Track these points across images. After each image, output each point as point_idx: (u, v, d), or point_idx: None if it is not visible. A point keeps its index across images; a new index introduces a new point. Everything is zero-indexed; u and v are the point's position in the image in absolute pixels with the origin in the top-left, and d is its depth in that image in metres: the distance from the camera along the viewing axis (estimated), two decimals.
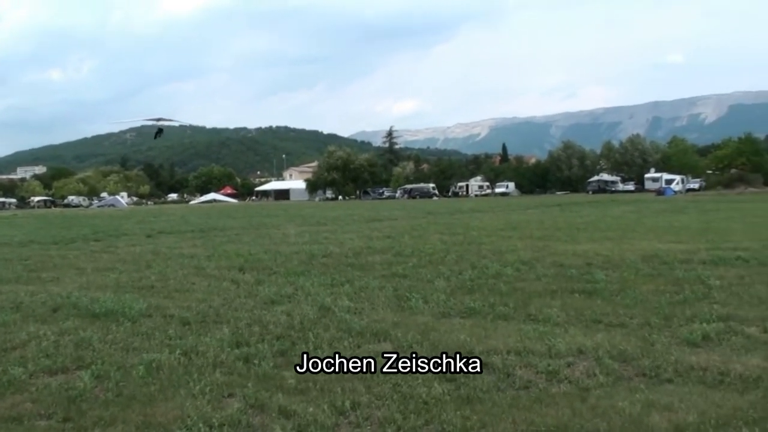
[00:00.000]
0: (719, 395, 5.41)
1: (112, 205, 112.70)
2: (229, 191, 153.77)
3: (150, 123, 25.66)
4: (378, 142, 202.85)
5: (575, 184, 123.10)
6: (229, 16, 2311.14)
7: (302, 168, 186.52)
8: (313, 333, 7.83)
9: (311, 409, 5.31)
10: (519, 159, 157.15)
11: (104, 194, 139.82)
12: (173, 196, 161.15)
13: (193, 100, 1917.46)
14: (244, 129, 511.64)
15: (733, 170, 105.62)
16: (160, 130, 26.63)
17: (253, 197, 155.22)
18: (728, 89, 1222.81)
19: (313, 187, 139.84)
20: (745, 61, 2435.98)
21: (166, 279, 13.11)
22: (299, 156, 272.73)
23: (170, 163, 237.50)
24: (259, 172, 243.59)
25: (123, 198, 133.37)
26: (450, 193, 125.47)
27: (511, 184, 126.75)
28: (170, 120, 25.76)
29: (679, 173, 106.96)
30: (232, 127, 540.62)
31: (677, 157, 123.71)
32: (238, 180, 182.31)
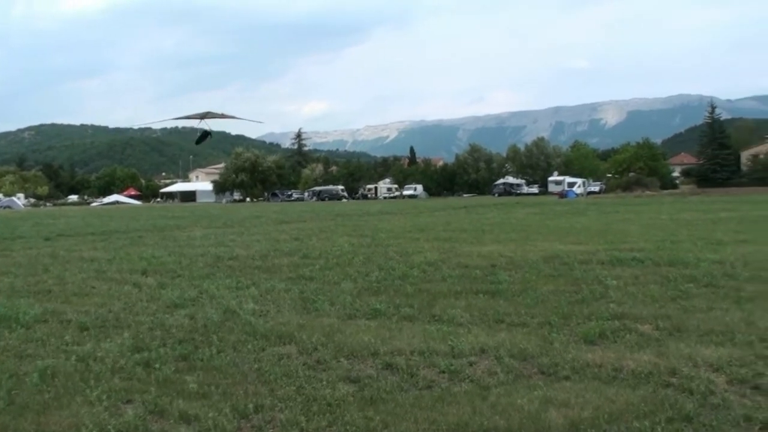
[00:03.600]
0: (613, 391, 5.60)
1: (8, 207, 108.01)
2: (132, 193, 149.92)
3: (194, 122, 18.52)
4: (287, 143, 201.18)
5: (482, 186, 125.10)
6: (138, 13, 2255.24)
7: (209, 169, 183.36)
8: (217, 336, 7.73)
9: (212, 414, 5.24)
10: (427, 162, 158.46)
11: None
12: (74, 197, 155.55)
13: (97, 99, 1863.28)
14: (149, 129, 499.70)
15: (631, 174, 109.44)
16: (206, 134, 19.51)
17: (158, 199, 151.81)
18: (627, 96, 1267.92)
19: (220, 188, 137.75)
20: (642, 70, 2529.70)
21: (64, 283, 12.69)
22: (206, 157, 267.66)
23: (71, 164, 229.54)
24: (164, 174, 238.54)
25: (19, 199, 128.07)
26: (359, 195, 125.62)
27: (419, 187, 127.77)
28: (222, 115, 19.08)
29: (580, 176, 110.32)
30: (136, 126, 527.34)
31: (579, 160, 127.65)
32: (143, 181, 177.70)
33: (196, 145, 22.61)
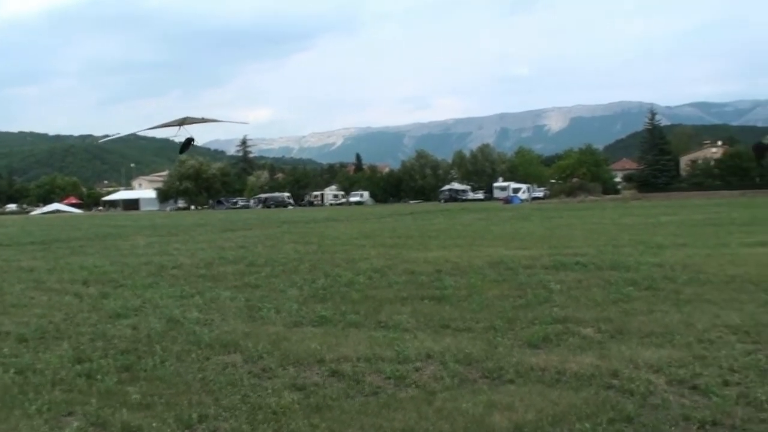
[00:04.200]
0: (556, 393, 5.67)
1: None
2: (73, 201, 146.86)
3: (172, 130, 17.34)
4: (232, 150, 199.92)
5: (428, 193, 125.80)
6: (77, 19, 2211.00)
7: (152, 177, 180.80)
8: (161, 346, 7.62)
9: (156, 424, 5.17)
10: (373, 168, 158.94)
11: None
12: (12, 206, 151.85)
13: (36, 105, 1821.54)
14: (90, 136, 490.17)
15: (574, 179, 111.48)
16: (190, 141, 17.64)
17: (100, 207, 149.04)
18: (569, 102, 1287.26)
19: (164, 196, 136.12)
20: (584, 77, 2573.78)
21: (2, 294, 12.38)
22: (149, 165, 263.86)
23: (8, 172, 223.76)
24: (106, 182, 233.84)
25: None
26: (305, 202, 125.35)
27: (366, 193, 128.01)
28: (202, 119, 17.53)
29: (525, 182, 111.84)
30: (77, 134, 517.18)
31: (523, 166, 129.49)
32: (84, 190, 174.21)
33: (179, 154, 21.07)
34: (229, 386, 6.13)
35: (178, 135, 17.25)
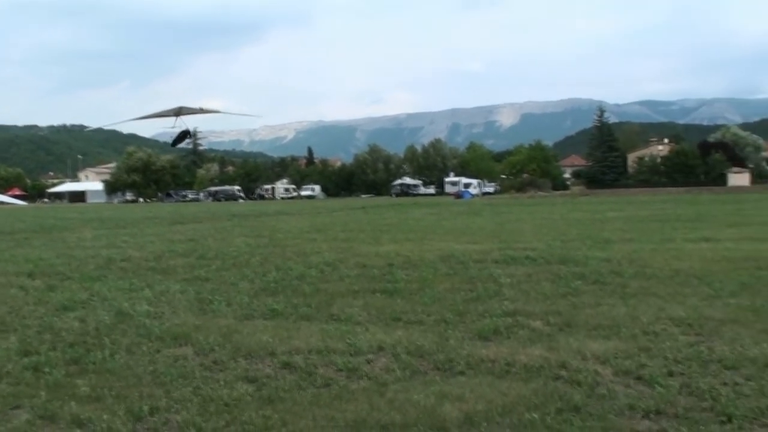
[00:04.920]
0: (506, 384, 5.76)
1: None
2: (17, 193, 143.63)
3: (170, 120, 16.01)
4: (182, 143, 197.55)
5: (379, 187, 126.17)
6: (22, 7, 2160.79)
7: (99, 169, 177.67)
8: (110, 339, 7.53)
9: (106, 416, 5.11)
10: (325, 162, 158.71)
11: None
12: None
13: None
14: (35, 127, 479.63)
15: (525, 175, 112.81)
16: (186, 133, 16.52)
17: (45, 199, 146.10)
18: (521, 99, 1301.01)
19: (111, 188, 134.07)
20: (535, 74, 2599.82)
21: None
22: (96, 156, 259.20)
23: None
24: (51, 173, 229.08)
25: None
26: (256, 196, 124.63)
27: (317, 187, 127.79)
28: (200, 110, 16.37)
29: (476, 177, 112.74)
30: (21, 124, 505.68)
31: (475, 161, 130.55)
32: (28, 181, 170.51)
33: (172, 147, 19.16)
34: (180, 378, 6.09)
35: (175, 126, 16.67)
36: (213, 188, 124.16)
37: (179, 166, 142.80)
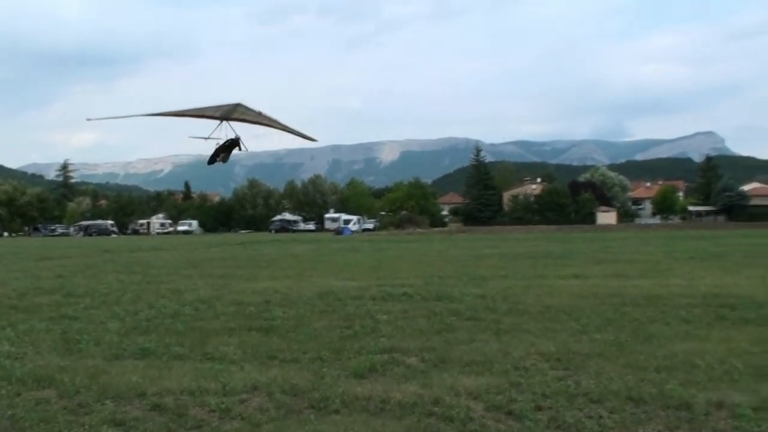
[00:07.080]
0: (380, 422, 5.78)
1: None
2: None
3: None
4: (52, 175, 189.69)
5: (259, 223, 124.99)
6: None
7: None
8: None
9: None
10: (203, 196, 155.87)
11: None
12: None
13: None
14: None
15: (403, 212, 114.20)
16: (234, 143, 12.13)
17: None
18: (401, 137, 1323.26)
19: None
20: (414, 113, 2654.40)
21: None
22: None
23: None
24: None
25: None
26: (130, 231, 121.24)
27: (195, 222, 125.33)
28: (259, 114, 11.72)
29: (356, 214, 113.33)
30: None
31: (355, 198, 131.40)
32: None
33: (208, 164, 11.69)
34: (41, 423, 5.82)
35: (213, 134, 12.39)
36: (84, 222, 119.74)
37: (48, 199, 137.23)
